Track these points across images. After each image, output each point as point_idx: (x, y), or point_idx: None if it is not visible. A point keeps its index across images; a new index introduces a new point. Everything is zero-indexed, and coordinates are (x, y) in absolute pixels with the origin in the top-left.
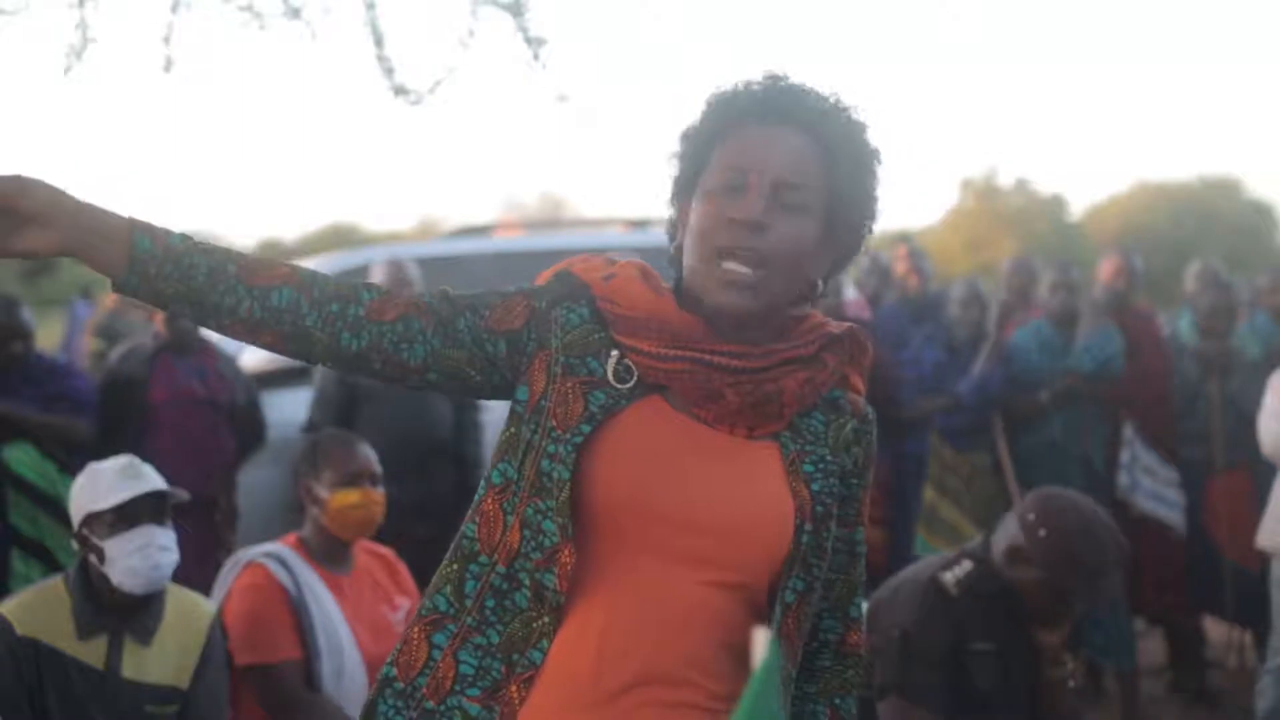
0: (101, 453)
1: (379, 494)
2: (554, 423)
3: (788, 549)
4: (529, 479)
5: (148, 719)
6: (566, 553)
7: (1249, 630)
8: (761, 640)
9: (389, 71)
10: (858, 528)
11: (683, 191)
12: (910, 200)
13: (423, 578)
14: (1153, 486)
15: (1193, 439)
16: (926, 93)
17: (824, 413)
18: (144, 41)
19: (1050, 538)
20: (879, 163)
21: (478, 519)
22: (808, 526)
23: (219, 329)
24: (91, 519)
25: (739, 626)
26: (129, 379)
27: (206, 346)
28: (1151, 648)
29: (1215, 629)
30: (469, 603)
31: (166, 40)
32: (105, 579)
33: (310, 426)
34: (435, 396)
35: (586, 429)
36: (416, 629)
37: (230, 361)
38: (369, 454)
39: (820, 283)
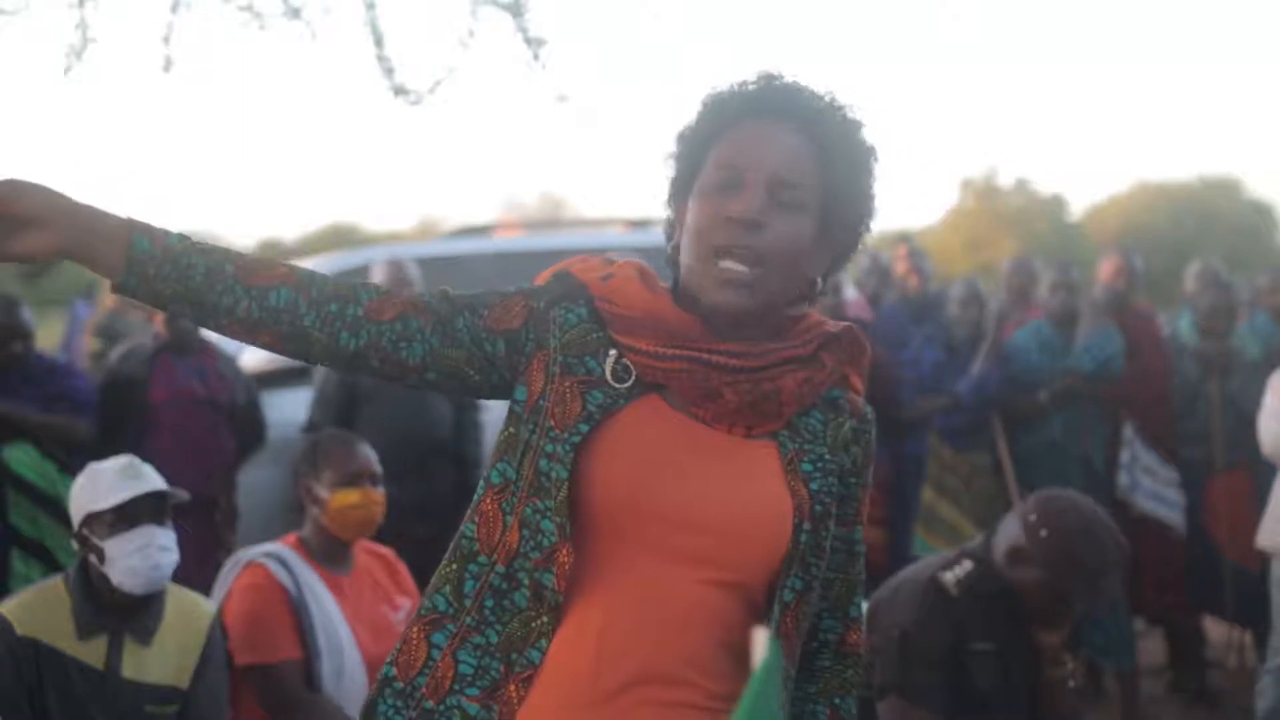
0: (101, 453)
1: (379, 494)
2: (552, 422)
3: (786, 548)
4: (527, 479)
5: (148, 719)
6: (564, 552)
7: (1249, 630)
8: (761, 640)
9: (389, 71)
10: (856, 527)
11: (679, 192)
12: (910, 200)
13: (423, 578)
14: (1153, 486)
15: (1193, 439)
16: (926, 93)
17: (822, 412)
18: (144, 41)
19: (1052, 538)
20: (875, 160)
21: (477, 519)
22: (806, 525)
23: (217, 329)
24: (91, 519)
25: (738, 626)
26: (129, 379)
27: (206, 346)
28: (1151, 648)
29: (1215, 629)
30: (468, 602)
31: (166, 40)
32: (105, 579)
33: (310, 426)
34: (435, 396)
35: (584, 428)
36: (416, 629)
37: (230, 361)
38: (369, 454)
39: (819, 281)
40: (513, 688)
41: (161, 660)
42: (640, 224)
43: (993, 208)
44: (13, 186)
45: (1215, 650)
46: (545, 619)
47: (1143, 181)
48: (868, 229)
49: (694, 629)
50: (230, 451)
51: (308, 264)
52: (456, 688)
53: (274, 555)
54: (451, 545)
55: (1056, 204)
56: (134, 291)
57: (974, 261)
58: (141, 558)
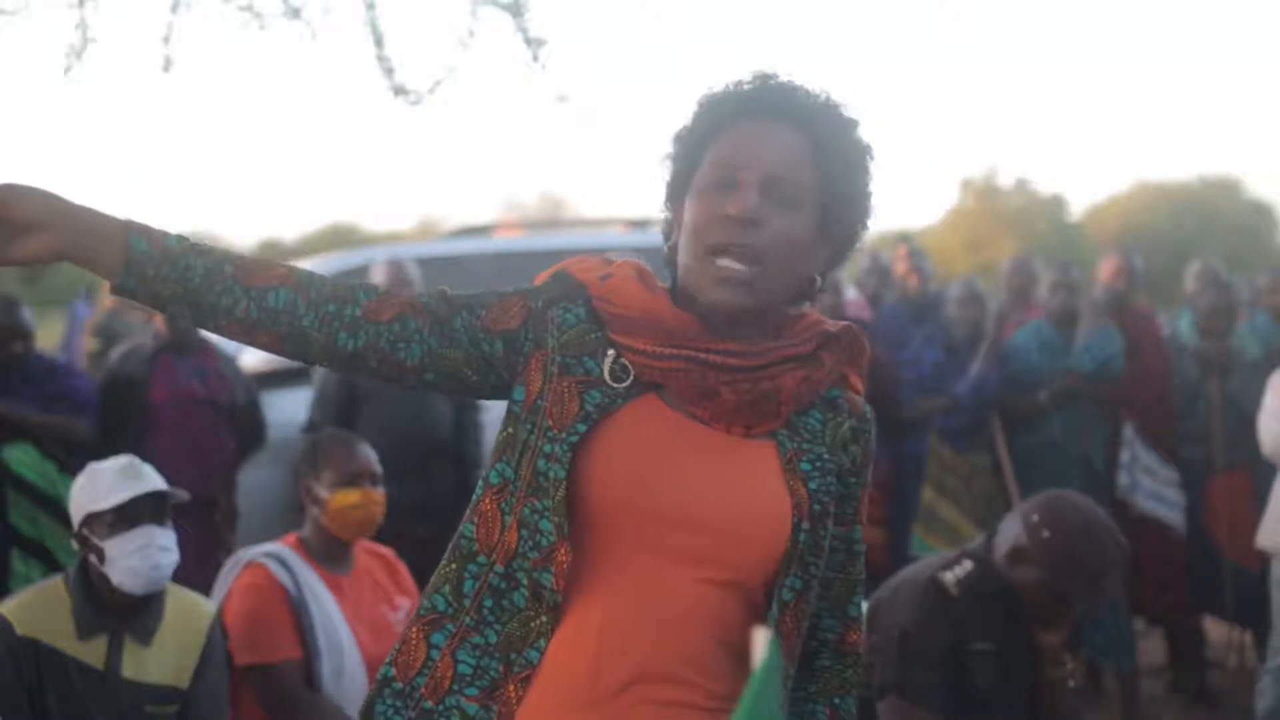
0: (101, 453)
1: (379, 494)
2: (550, 422)
3: (785, 547)
4: (526, 479)
5: (148, 719)
6: (563, 552)
7: (1249, 630)
8: (761, 639)
9: (389, 71)
10: (855, 526)
11: (676, 193)
12: (910, 200)
13: (423, 578)
14: (1153, 486)
15: (1193, 439)
16: (926, 93)
17: (822, 411)
18: (144, 41)
19: (1054, 539)
20: (871, 159)
21: (476, 519)
22: (805, 525)
23: (216, 330)
24: (91, 519)
25: (737, 625)
26: (129, 379)
27: (206, 346)
28: (1151, 648)
29: (1215, 629)
30: (467, 602)
31: (166, 40)
32: (105, 579)
33: (310, 426)
34: (435, 396)
35: (582, 428)
36: (415, 629)
37: (230, 361)
38: (369, 454)
39: (818, 279)
40: (512, 687)
41: (161, 660)
42: (640, 224)
43: (993, 208)
44: (10, 191)
45: (1215, 650)
46: (544, 619)
47: (1143, 181)
48: (865, 227)
49: (693, 628)
50: (230, 451)
51: (308, 264)
52: (455, 688)
53: (274, 555)
54: (450, 545)
55: (1056, 204)
56: (132, 292)
57: (974, 261)
58: (141, 558)
